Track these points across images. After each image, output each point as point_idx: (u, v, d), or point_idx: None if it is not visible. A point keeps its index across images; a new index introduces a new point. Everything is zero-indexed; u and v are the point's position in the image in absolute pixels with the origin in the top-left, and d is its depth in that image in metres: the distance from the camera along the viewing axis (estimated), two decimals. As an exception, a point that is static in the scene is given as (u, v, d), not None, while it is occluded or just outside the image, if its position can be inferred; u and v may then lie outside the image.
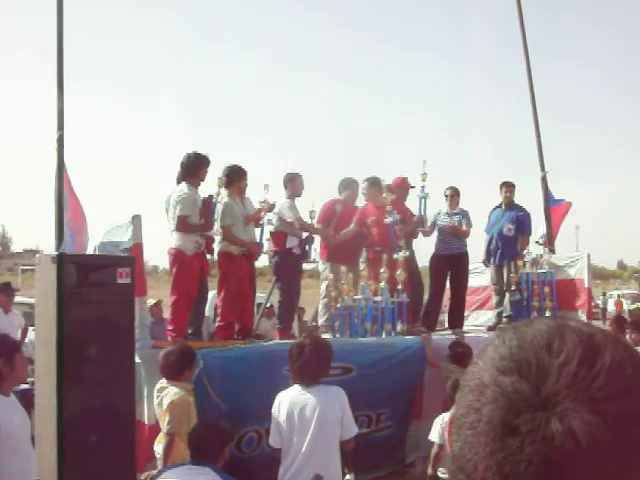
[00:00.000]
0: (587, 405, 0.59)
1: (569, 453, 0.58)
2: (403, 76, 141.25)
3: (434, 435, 5.15)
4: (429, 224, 7.96)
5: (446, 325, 8.37)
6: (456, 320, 8.02)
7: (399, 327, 7.07)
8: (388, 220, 7.38)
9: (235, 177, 6.74)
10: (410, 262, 7.57)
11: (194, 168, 6.39)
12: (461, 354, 6.33)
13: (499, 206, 8.38)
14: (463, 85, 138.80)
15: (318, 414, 4.19)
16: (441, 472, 5.06)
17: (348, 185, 8.18)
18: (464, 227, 7.92)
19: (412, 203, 8.00)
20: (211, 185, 6.67)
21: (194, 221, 6.28)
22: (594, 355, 0.62)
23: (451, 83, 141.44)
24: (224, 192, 6.66)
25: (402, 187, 7.99)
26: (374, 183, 7.84)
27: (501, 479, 0.60)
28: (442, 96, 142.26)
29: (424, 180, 7.70)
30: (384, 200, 7.53)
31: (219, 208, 6.57)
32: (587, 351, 0.63)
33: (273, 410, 4.34)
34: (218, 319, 6.77)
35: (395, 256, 7.22)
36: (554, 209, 9.38)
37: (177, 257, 6.27)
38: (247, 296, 6.84)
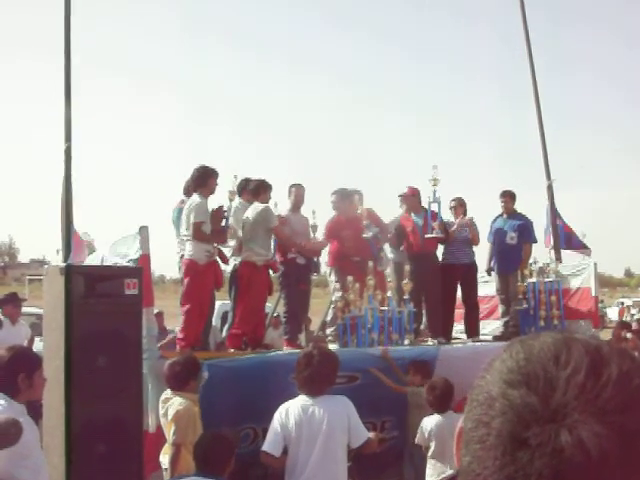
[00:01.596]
0: (595, 416, 0.59)
1: (579, 465, 0.58)
2: (405, 82, 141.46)
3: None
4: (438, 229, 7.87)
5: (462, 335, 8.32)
6: (472, 329, 7.96)
7: (406, 336, 7.07)
8: (367, 235, 7.45)
9: (261, 189, 6.95)
10: (431, 272, 7.60)
11: (203, 179, 6.52)
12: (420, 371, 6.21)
13: (501, 215, 8.38)
14: (467, 92, 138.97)
15: (326, 424, 4.20)
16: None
17: (347, 196, 8.05)
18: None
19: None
20: (221, 197, 6.86)
21: (207, 229, 6.38)
22: (601, 366, 0.63)
23: (455, 90, 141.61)
24: (256, 203, 6.83)
25: (413, 197, 7.91)
26: (344, 196, 7.81)
27: None
28: (445, 103, 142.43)
29: (435, 185, 7.68)
30: (357, 213, 7.58)
31: (262, 212, 6.71)
32: (594, 363, 0.63)
33: (278, 418, 4.32)
34: (233, 326, 6.81)
35: (380, 268, 7.36)
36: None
37: (190, 267, 6.35)
38: (263, 306, 6.98)
